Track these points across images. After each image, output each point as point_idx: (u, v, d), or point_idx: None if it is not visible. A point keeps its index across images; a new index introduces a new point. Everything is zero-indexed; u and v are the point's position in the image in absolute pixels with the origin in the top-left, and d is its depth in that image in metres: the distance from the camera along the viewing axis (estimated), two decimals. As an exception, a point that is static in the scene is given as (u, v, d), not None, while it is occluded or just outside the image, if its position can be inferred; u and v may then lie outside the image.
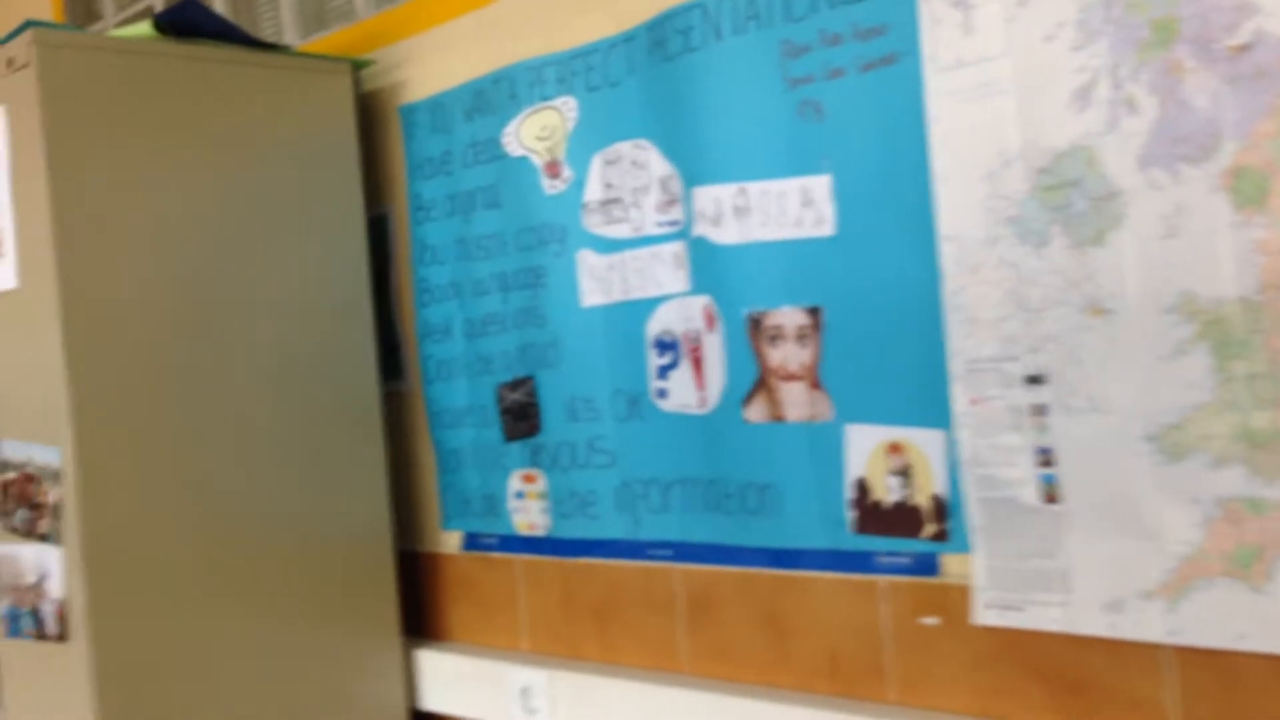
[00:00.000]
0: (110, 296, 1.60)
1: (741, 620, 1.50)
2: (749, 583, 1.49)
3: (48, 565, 1.60)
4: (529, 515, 1.76)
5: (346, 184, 1.87)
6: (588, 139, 1.63)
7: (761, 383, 1.44)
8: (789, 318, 1.40)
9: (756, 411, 1.45)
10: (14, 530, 1.64)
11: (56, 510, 1.58)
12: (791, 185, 1.39)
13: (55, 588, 1.59)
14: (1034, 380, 1.20)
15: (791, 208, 1.39)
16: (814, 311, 1.38)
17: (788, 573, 1.44)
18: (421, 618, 1.94)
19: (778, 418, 1.42)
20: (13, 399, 1.64)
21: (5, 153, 1.62)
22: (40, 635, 1.61)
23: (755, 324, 1.44)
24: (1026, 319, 1.20)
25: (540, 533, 1.75)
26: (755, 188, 1.42)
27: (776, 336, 1.42)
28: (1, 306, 1.65)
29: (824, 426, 1.38)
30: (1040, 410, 1.20)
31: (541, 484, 1.73)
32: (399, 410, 1.94)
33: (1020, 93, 1.20)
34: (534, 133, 1.69)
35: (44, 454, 1.59)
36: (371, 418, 1.87)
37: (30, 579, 1.62)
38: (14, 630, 1.65)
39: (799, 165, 1.38)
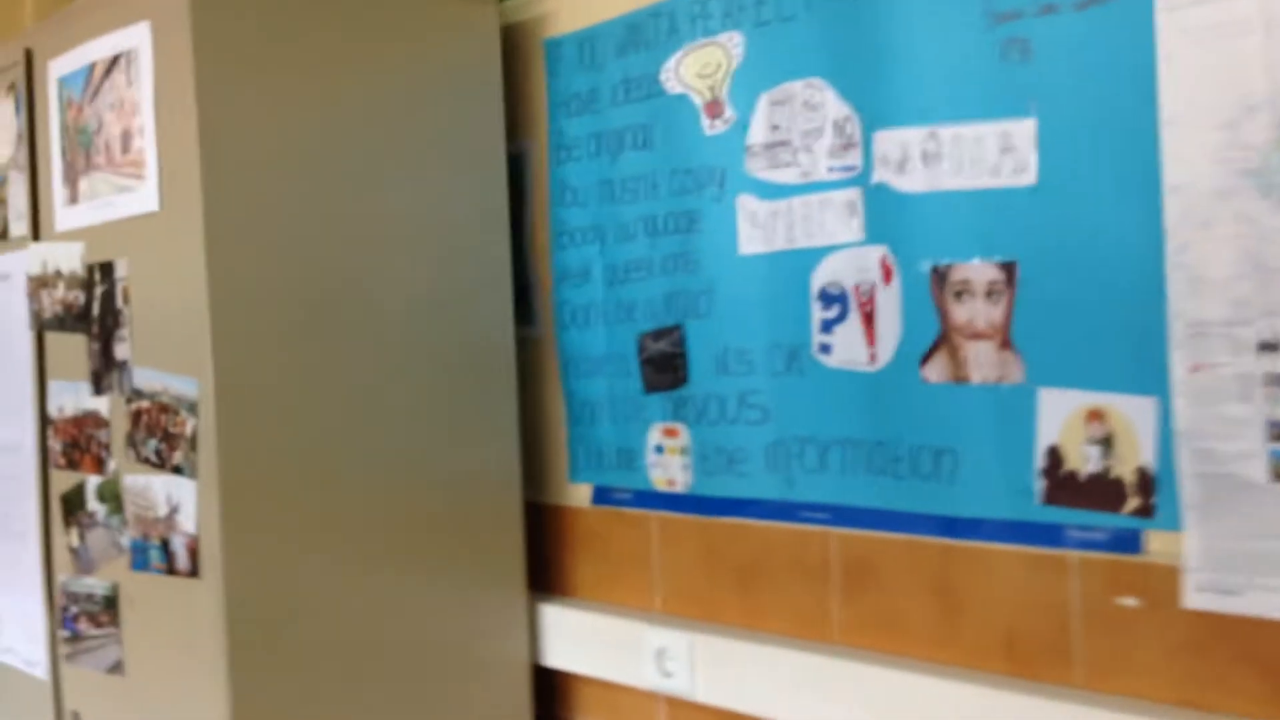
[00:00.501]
0: (252, 226, 1.54)
1: (904, 590, 1.42)
2: (915, 551, 1.41)
3: (180, 498, 1.55)
4: (668, 471, 1.69)
5: (488, 119, 1.80)
6: (754, 78, 1.54)
7: (943, 340, 1.35)
8: (979, 272, 1.32)
9: (936, 371, 1.36)
10: (145, 461, 1.60)
11: (192, 442, 1.53)
12: (990, 130, 1.30)
13: (188, 521, 1.54)
14: (1269, 347, 1.11)
15: (989, 154, 1.30)
16: (1007, 266, 1.29)
17: (961, 543, 1.36)
18: (544, 572, 1.88)
19: (960, 378, 1.34)
20: (148, 326, 1.59)
21: (149, 71, 1.56)
22: (170, 570, 1.57)
23: (939, 278, 1.35)
24: (1263, 280, 1.11)
25: (680, 489, 1.68)
26: (948, 132, 1.33)
27: (963, 292, 1.33)
28: (140, 229, 1.60)
29: (1013, 389, 1.30)
30: (1275, 380, 1.10)
31: (684, 438, 1.66)
32: (527, 357, 1.88)
33: (1269, 33, 1.10)
34: (695, 70, 1.61)
35: (180, 384, 1.55)
36: (505, 364, 1.80)
37: (161, 511, 1.58)
38: (141, 563, 1.61)
39: (999, 108, 1.29)
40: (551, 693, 1.85)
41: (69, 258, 1.71)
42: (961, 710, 1.31)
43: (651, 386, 1.70)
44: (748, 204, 1.55)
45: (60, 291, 1.73)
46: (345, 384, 1.62)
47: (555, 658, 1.81)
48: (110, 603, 1.67)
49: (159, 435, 1.57)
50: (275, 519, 1.56)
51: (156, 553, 1.59)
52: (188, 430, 1.53)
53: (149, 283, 1.59)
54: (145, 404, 1.59)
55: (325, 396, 1.60)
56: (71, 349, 1.72)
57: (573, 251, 1.81)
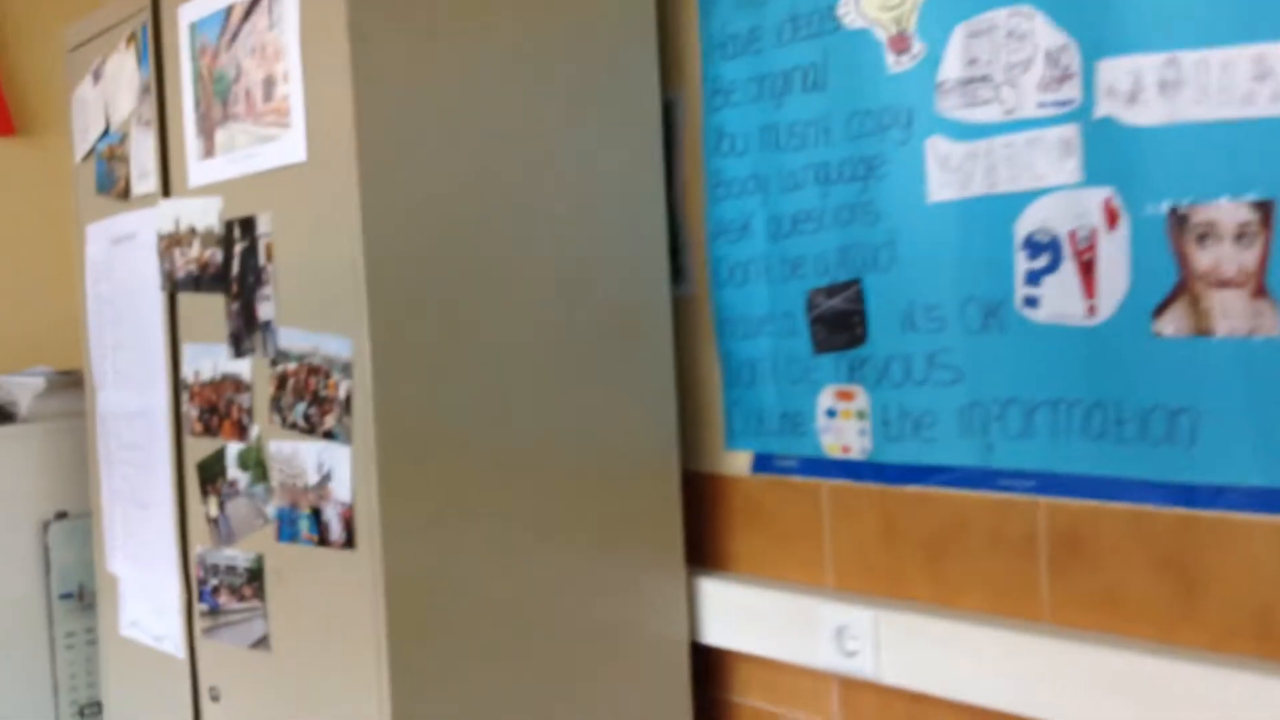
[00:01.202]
0: (406, 177, 1.45)
1: (1128, 564, 1.30)
2: (1142, 522, 1.29)
3: (333, 465, 1.46)
4: (842, 436, 1.58)
5: (642, 64, 1.69)
6: (948, 8, 1.42)
7: (1182, 290, 1.23)
8: (1227, 213, 1.19)
9: (1172, 324, 1.24)
10: (292, 426, 1.51)
11: (346, 405, 1.44)
12: (1242, 54, 1.17)
13: (341, 490, 1.46)
14: None
15: (1240, 81, 1.17)
16: (1262, 205, 1.17)
17: (1201, 513, 1.24)
18: (699, 545, 1.78)
19: (1203, 331, 1.21)
20: (294, 284, 1.50)
21: (294, 12, 1.47)
22: (322, 540, 1.48)
23: (1178, 221, 1.23)
24: None
25: (856, 456, 1.56)
26: (1190, 57, 1.20)
27: (1207, 235, 1.20)
28: (285, 182, 1.51)
29: (1268, 343, 1.17)
30: None
31: (861, 401, 1.55)
32: (678, 318, 1.77)
33: None
34: (878, 2, 1.48)
35: (332, 344, 1.45)
36: (660, 325, 1.70)
37: (310, 479, 1.49)
38: (289, 534, 1.53)
39: (1254, 29, 1.16)
40: (709, 672, 1.75)
41: (205, 214, 1.63)
42: (1203, 694, 1.19)
43: (823, 346, 1.59)
44: (939, 146, 1.43)
45: (195, 250, 1.65)
46: (499, 346, 1.53)
47: (714, 634, 1.71)
48: (254, 575, 1.59)
49: (308, 399, 1.49)
50: (432, 488, 1.47)
51: (306, 523, 1.51)
52: (340, 393, 1.44)
53: (295, 238, 1.50)
54: (292, 366, 1.50)
55: (479, 359, 1.51)
56: (208, 310, 1.63)
57: (730, 204, 1.70)
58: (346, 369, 1.43)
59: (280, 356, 1.52)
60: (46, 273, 2.47)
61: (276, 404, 1.54)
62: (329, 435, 1.46)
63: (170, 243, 1.70)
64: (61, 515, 2.14)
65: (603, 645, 1.63)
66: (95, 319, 2.00)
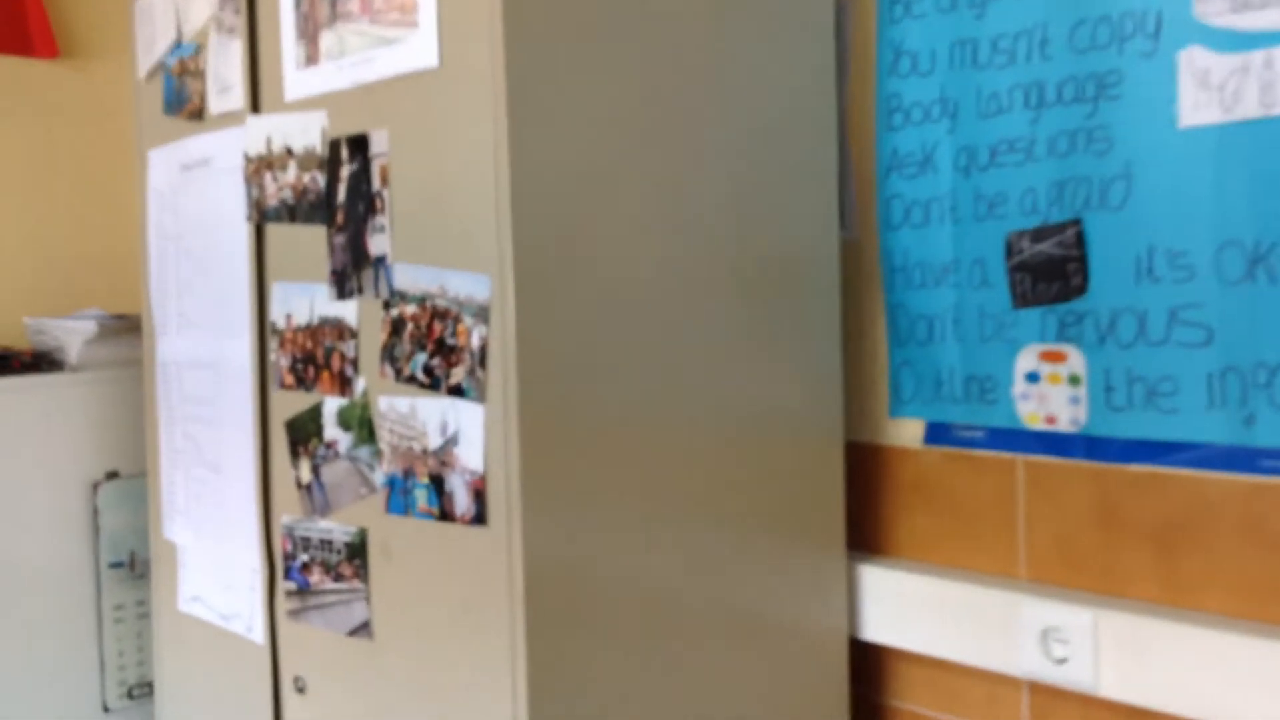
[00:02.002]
0: (557, 89, 1.23)
1: None
2: None
3: (461, 426, 1.25)
4: (1047, 404, 1.36)
5: (812, -36, 1.45)
6: (1215, -108, 1.18)
7: None
8: None
9: None
10: (409, 380, 1.29)
11: (480, 356, 1.22)
12: None
13: (472, 456, 1.24)
14: None
15: None
16: None
17: None
18: (858, 527, 1.56)
19: None
20: (417, 213, 1.28)
21: (427, -115, 1.24)
22: (444, 514, 1.27)
23: None
24: None
25: (1065, 427, 1.34)
26: None
27: None
28: (408, 92, 1.28)
29: None
30: None
31: (1075, 364, 1.32)
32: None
33: None
34: (1120, -113, 1.25)
35: (464, 283, 1.23)
36: (826, 276, 1.49)
37: (432, 442, 1.27)
38: (400, 505, 1.31)
39: None
40: (862, 670, 1.54)
41: (305, 131, 1.40)
42: None
43: (1026, 299, 1.36)
44: (1196, 59, 1.20)
45: (291, 174, 1.43)
46: (654, 295, 1.31)
47: (876, 630, 1.50)
48: (355, 552, 1.38)
49: (430, 347, 1.27)
50: (578, 458, 1.25)
51: (424, 493, 1.29)
52: (473, 341, 1.22)
53: (418, 158, 1.27)
54: (411, 309, 1.28)
55: (631, 306, 1.29)
56: (304, 244, 1.42)
57: (909, 133, 1.47)
58: (482, 313, 1.21)
59: (396, 297, 1.30)
60: (97, 207, 2.25)
61: (389, 353, 1.32)
62: (457, 391, 1.24)
63: (259, 166, 1.48)
64: (112, 475, 1.94)
65: (755, 639, 1.42)
66: (157, 256, 1.78)
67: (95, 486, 1.93)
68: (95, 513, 1.93)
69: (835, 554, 1.49)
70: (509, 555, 1.22)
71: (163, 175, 1.78)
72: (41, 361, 1.94)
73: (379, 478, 1.35)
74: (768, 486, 1.42)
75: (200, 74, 1.63)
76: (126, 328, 1.96)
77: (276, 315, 1.48)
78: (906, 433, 1.51)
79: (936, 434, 1.48)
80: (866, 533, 1.55)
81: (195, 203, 1.69)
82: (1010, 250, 1.38)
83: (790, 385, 1.44)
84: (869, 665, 1.54)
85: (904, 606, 1.48)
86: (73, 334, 1.96)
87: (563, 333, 1.24)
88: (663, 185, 1.31)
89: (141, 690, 1.99)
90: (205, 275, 1.68)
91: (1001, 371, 1.40)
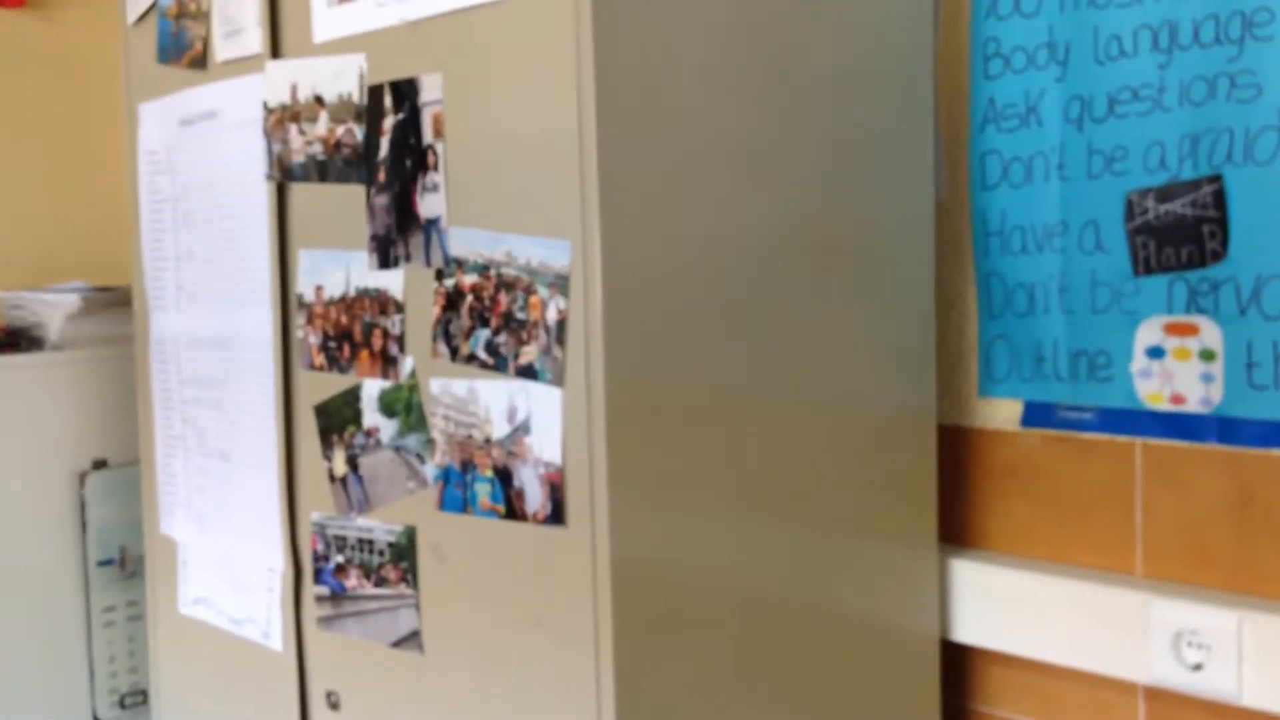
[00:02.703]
0: (646, 23, 1.07)
1: None
2: None
3: (533, 412, 1.10)
4: (1172, 382, 1.23)
5: (905, -108, 1.31)
6: None
7: None
8: None
9: None
10: (470, 359, 1.14)
11: (558, 332, 1.07)
12: None
13: (547, 446, 1.09)
14: None
15: None
16: None
17: None
18: (943, 516, 1.43)
19: None
20: (477, 169, 1.13)
21: None
22: (511, 512, 1.12)
23: None
24: None
25: (1194, 408, 1.22)
26: None
27: None
28: (465, 30, 1.13)
29: None
30: None
31: (1209, 337, 1.20)
32: (922, 228, 1.41)
33: None
34: None
35: (537, 248, 1.09)
36: (920, 238, 1.35)
37: (496, 430, 1.13)
38: (458, 501, 1.17)
39: None
40: (956, 675, 1.41)
41: (339, 77, 1.24)
42: None
43: (1150, 265, 1.23)
44: (1365, -5, 1.07)
45: (321, 126, 1.27)
46: (742, 262, 1.17)
47: (967, 630, 1.37)
48: (401, 553, 1.23)
49: (495, 322, 1.12)
50: (667, 446, 1.11)
51: (488, 488, 1.14)
52: (549, 314, 1.07)
53: (481, 106, 1.12)
54: (470, 279, 1.13)
55: (720, 279, 1.14)
56: (336, 205, 1.26)
57: (1009, 81, 1.34)
58: (559, 283, 1.07)
59: (452, 266, 1.15)
60: (76, 168, 2.07)
61: (444, 329, 1.17)
62: (528, 372, 1.10)
63: (282, 118, 1.32)
64: (100, 464, 1.78)
65: (845, 644, 1.28)
66: (152, 222, 1.62)
67: (82, 477, 1.77)
68: (82, 506, 1.77)
69: (926, 547, 1.36)
70: (592, 559, 1.08)
71: (157, 132, 1.61)
72: (19, 339, 1.77)
73: (430, 470, 1.20)
74: (857, 474, 1.29)
75: (203, 16, 1.47)
76: (113, 301, 1.80)
77: (304, 287, 1.32)
78: (999, 413, 1.38)
79: (1036, 415, 1.35)
80: (952, 523, 1.42)
81: (198, 161, 1.53)
82: (1131, 211, 1.25)
83: (881, 362, 1.31)
84: (958, 668, 1.42)
85: (1000, 604, 1.35)
86: (53, 308, 1.79)
87: (651, 305, 1.09)
88: (752, 139, 1.17)
89: (134, 699, 1.83)
90: (211, 243, 1.52)
91: (1117, 346, 1.27)
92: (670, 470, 1.11)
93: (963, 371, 1.41)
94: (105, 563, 1.81)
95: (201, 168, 1.52)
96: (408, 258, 1.20)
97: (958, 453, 1.42)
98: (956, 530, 1.42)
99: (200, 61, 1.48)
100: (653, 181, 1.08)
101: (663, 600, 1.11)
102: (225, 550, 1.55)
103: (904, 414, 1.33)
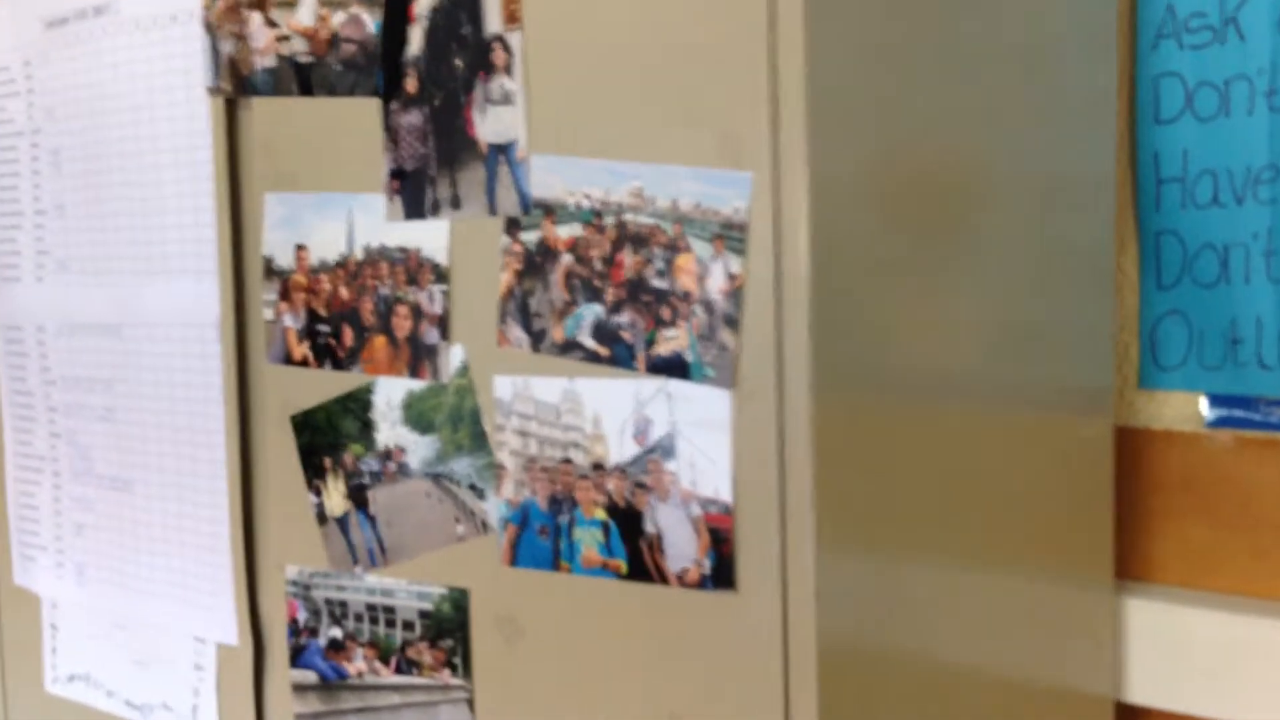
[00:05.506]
0: None
1: None
2: None
3: (681, 426, 0.77)
4: None
5: None
6: None
7: None
8: None
9: None
10: (567, 347, 0.80)
11: (729, 310, 0.74)
12: None
13: (707, 477, 0.76)
14: None
15: None
16: None
17: None
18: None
19: None
20: (570, 67, 0.79)
21: None
22: (637, 571, 0.79)
23: None
24: None
25: None
26: None
27: None
28: None
29: None
30: None
31: None
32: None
33: None
34: None
35: (694, 184, 0.76)
36: (1101, 193, 1.06)
37: (612, 451, 0.79)
38: (544, 554, 0.83)
39: None
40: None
41: (342, -62, 0.88)
42: None
43: None
44: None
45: (304, 14, 0.90)
46: (950, 218, 0.86)
47: (1147, 689, 1.10)
48: (446, 627, 0.89)
49: (614, 294, 0.78)
50: (879, 471, 0.80)
51: (597, 534, 0.81)
52: (712, 283, 0.74)
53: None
54: (571, 230, 0.79)
55: (930, 241, 0.84)
56: (324, 129, 0.90)
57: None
58: (733, 236, 0.74)
59: (537, 213, 0.80)
60: None
61: (520, 305, 0.82)
62: (672, 367, 0.76)
63: (236, 5, 0.93)
64: (-84, 493, 1.35)
65: (1018, 708, 0.99)
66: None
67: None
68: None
69: (1100, 585, 1.09)
70: (783, 636, 0.76)
71: (4, 38, 1.20)
72: None
73: (495, 509, 0.85)
74: (1036, 492, 1.00)
75: None
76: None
77: (273, 247, 0.95)
78: (1170, 410, 1.12)
79: (1228, 412, 1.09)
80: (1119, 551, 1.15)
81: (74, 77, 1.13)
82: (1381, 148, 0.99)
83: (1064, 352, 1.02)
84: (1121, 733, 1.15)
85: (1183, 653, 1.09)
86: None
87: (861, 268, 0.77)
88: (962, 57, 0.86)
89: (-32, 805, 1.41)
90: (94, 191, 1.13)
91: (1353, 323, 1.01)
92: (880, 503, 0.80)
93: (1122, 358, 1.14)
94: (-76, 625, 1.38)
95: (80, 85, 1.12)
96: (456, 202, 0.85)
97: (1120, 459, 1.15)
98: (1118, 561, 1.15)
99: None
100: (874, 85, 0.76)
101: (863, 687, 0.80)
102: (121, 611, 1.16)
103: (1079, 413, 1.05)
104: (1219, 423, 1.10)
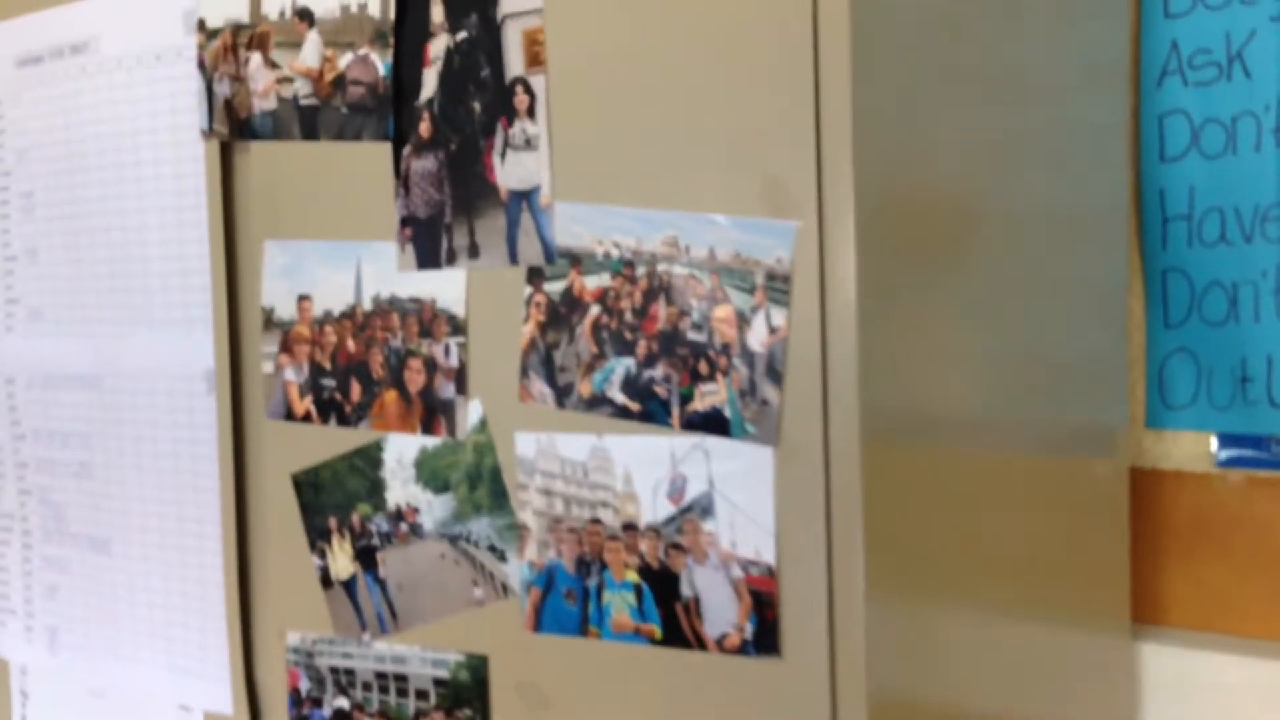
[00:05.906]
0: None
1: None
2: None
3: (720, 485, 0.75)
4: None
5: None
6: None
7: None
8: None
9: None
10: (591, 403, 0.77)
11: (770, 363, 0.72)
12: None
13: (749, 537, 0.74)
14: None
15: None
16: None
17: None
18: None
19: None
20: (598, 110, 0.76)
21: None
22: (672, 637, 0.76)
23: None
24: None
25: None
26: None
27: None
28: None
29: None
30: None
31: None
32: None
33: None
34: None
35: (734, 233, 0.73)
36: (1113, 228, 1.05)
37: (644, 511, 0.77)
38: (572, 619, 0.80)
39: None
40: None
41: (348, -23, 0.85)
42: None
43: None
44: None
45: (308, 55, 0.87)
46: (991, 256, 0.84)
47: (1164, 737, 1.08)
48: (463, 695, 0.85)
49: (647, 347, 0.75)
50: (924, 525, 0.77)
51: (629, 598, 0.77)
52: (753, 335, 0.72)
53: (609, 18, 0.75)
54: (599, 280, 0.76)
55: (974, 281, 0.82)
56: (333, 174, 0.86)
57: (1201, 19, 1.09)
58: (775, 287, 0.71)
59: (562, 262, 0.77)
60: None
61: (544, 358, 0.79)
62: (710, 423, 0.74)
63: (232, 45, 0.90)
64: None
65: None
66: (-33, 207, 1.17)
67: None
68: None
69: (1118, 630, 1.07)
70: (831, 704, 0.72)
71: (-26, 78, 1.15)
72: None
73: (517, 572, 0.81)
74: (1059, 537, 0.98)
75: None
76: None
77: (273, 297, 0.91)
78: (1180, 450, 1.11)
79: (1239, 452, 1.08)
80: (1134, 595, 1.14)
81: (49, 118, 1.09)
82: (1397, 184, 0.99)
83: (1082, 392, 1.00)
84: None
85: (1200, 698, 1.07)
86: None
87: (901, 322, 0.75)
88: (986, 98, 0.84)
89: None
90: (75, 235, 1.08)
91: (1368, 362, 1.01)
92: (920, 556, 0.78)
93: (1130, 396, 1.13)
94: (-121, 693, 1.31)
95: (56, 127, 1.08)
96: (473, 251, 0.81)
97: (1131, 500, 1.13)
98: (1133, 604, 1.14)
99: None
100: (908, 126, 0.74)
101: (909, 752, 0.77)
102: (98, 678, 1.11)
103: (1096, 453, 1.03)
104: (1230, 462, 1.09)
